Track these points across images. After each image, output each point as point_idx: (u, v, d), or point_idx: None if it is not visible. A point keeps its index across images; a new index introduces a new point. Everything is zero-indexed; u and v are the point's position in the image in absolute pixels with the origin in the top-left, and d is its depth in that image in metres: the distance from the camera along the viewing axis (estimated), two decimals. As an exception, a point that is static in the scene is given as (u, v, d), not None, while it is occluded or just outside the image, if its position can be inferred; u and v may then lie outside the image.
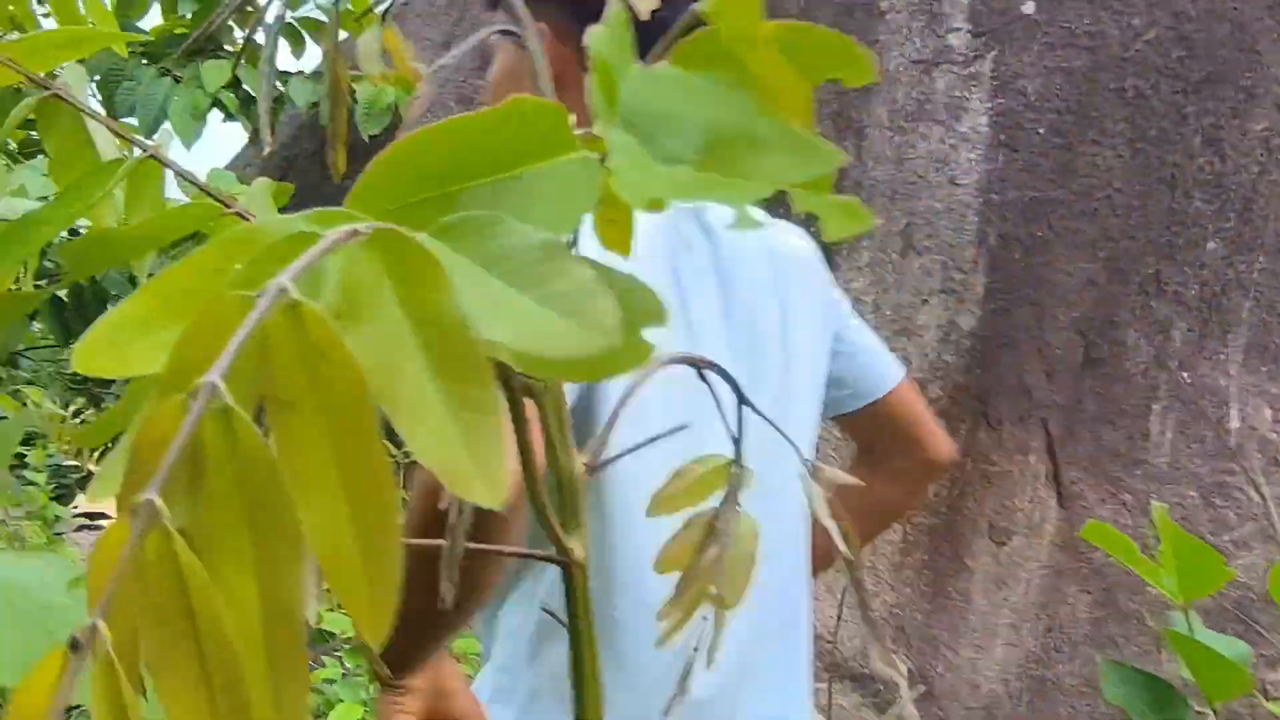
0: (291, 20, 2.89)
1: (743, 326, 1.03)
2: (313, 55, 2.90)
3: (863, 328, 1.20)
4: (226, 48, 3.09)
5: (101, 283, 2.64)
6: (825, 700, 2.05)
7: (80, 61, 0.70)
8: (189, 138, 2.83)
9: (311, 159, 3.00)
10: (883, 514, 1.25)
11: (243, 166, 3.41)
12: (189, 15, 3.08)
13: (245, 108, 2.93)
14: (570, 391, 0.84)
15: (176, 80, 2.88)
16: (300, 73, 3.02)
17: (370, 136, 2.73)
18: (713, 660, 0.53)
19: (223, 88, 2.83)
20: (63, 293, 2.58)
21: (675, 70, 0.28)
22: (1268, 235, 2.13)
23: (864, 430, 1.23)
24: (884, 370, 1.19)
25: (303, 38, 2.95)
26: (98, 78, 2.87)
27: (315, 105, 2.81)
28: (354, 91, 2.72)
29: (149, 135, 2.70)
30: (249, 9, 2.76)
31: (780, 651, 1.06)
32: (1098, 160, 2.14)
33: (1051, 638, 2.15)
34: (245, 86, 2.95)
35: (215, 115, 2.94)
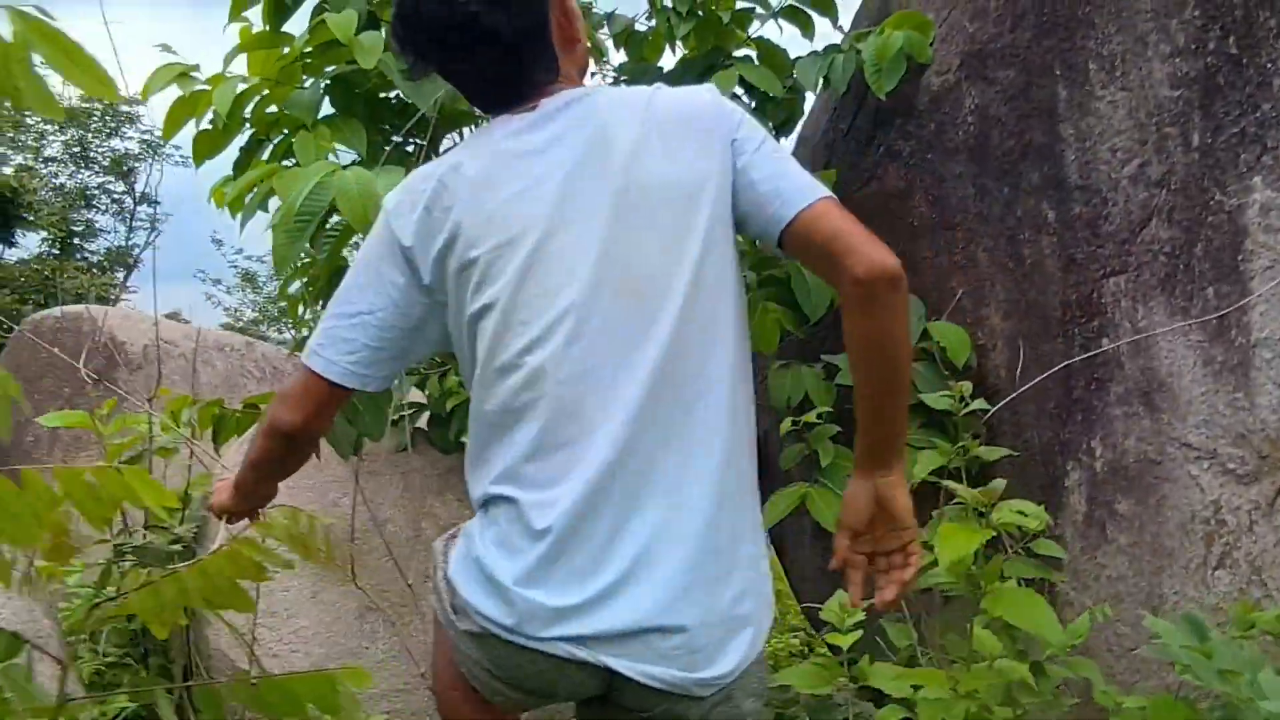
0: (793, 2, 2.97)
1: (631, 186, 1.23)
2: (824, 33, 2.43)
3: (769, 158, 1.27)
4: (738, 53, 3.04)
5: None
6: None
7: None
8: None
9: (848, 137, 2.92)
10: (867, 346, 1.23)
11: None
12: (680, 39, 2.99)
13: (762, 108, 2.90)
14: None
15: None
16: (813, 53, 2.87)
17: (886, 94, 2.56)
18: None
19: (733, 95, 2.76)
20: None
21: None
22: None
23: (801, 258, 1.31)
24: (791, 195, 1.23)
25: (809, 16, 2.98)
26: None
27: (827, 82, 2.75)
28: (858, 50, 2.63)
29: None
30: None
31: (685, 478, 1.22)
32: None
33: None
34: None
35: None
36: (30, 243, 18.57)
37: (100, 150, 20.72)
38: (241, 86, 2.39)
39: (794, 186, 1.26)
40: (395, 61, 2.44)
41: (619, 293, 1.22)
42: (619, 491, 1.20)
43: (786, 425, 2.56)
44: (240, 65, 2.66)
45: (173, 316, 21.24)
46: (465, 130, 3.09)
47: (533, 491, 1.22)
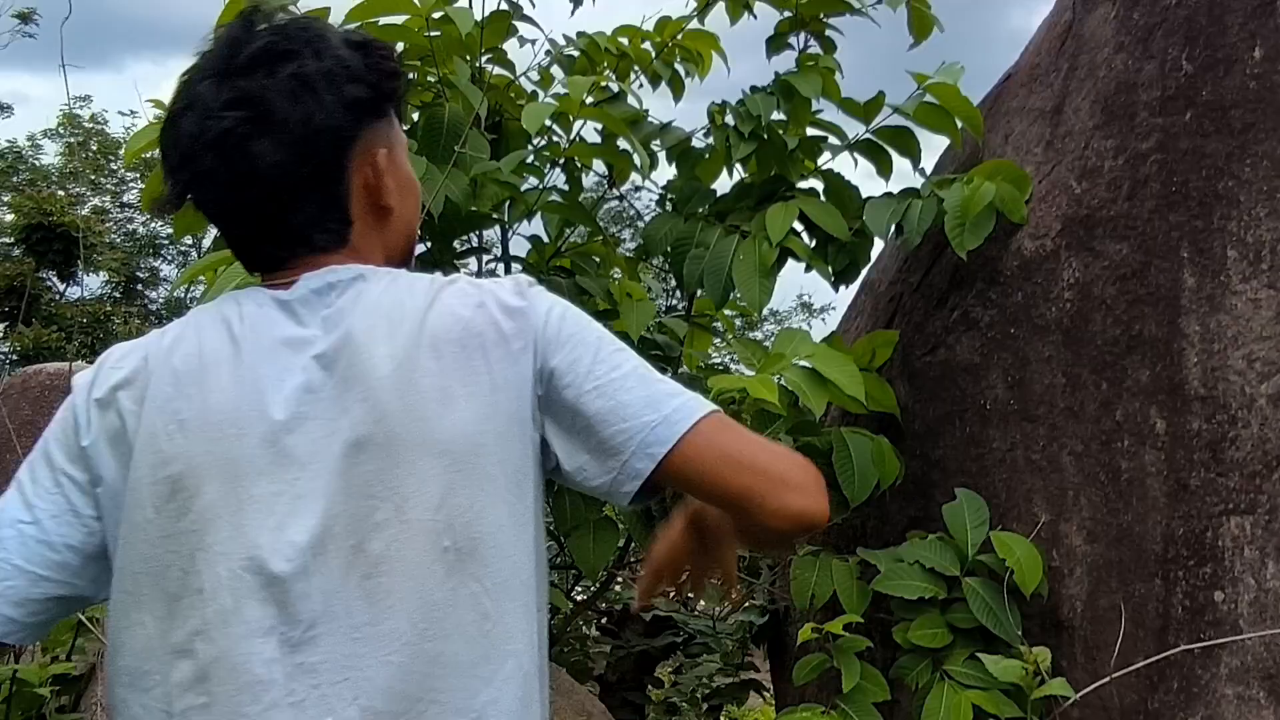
0: (870, 136, 2.59)
1: (378, 429, 0.88)
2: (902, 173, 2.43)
3: (603, 390, 0.92)
4: (803, 185, 2.63)
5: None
6: None
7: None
8: (757, 300, 2.38)
9: (919, 293, 2.53)
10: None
11: (853, 319, 2.93)
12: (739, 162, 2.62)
13: (822, 250, 2.49)
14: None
15: (745, 236, 2.46)
16: (887, 194, 2.51)
17: (968, 252, 2.18)
18: None
19: (791, 232, 2.42)
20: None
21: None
22: None
23: (691, 492, 0.98)
24: (647, 434, 0.90)
25: (887, 154, 2.61)
26: (669, 251, 2.55)
27: (899, 230, 2.38)
28: (940, 198, 2.25)
29: (719, 307, 2.56)
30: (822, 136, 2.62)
31: None
32: None
33: None
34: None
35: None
36: (93, 283, 18.73)
37: (177, 201, 20.93)
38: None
39: (652, 420, 0.91)
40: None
41: (345, 572, 0.86)
42: None
43: (807, 632, 2.11)
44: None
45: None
46: (480, 235, 2.76)
47: None
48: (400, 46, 2.43)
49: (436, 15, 2.34)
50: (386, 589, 0.86)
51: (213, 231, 2.35)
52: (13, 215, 17.30)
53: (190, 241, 21.27)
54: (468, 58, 2.47)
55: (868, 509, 2.35)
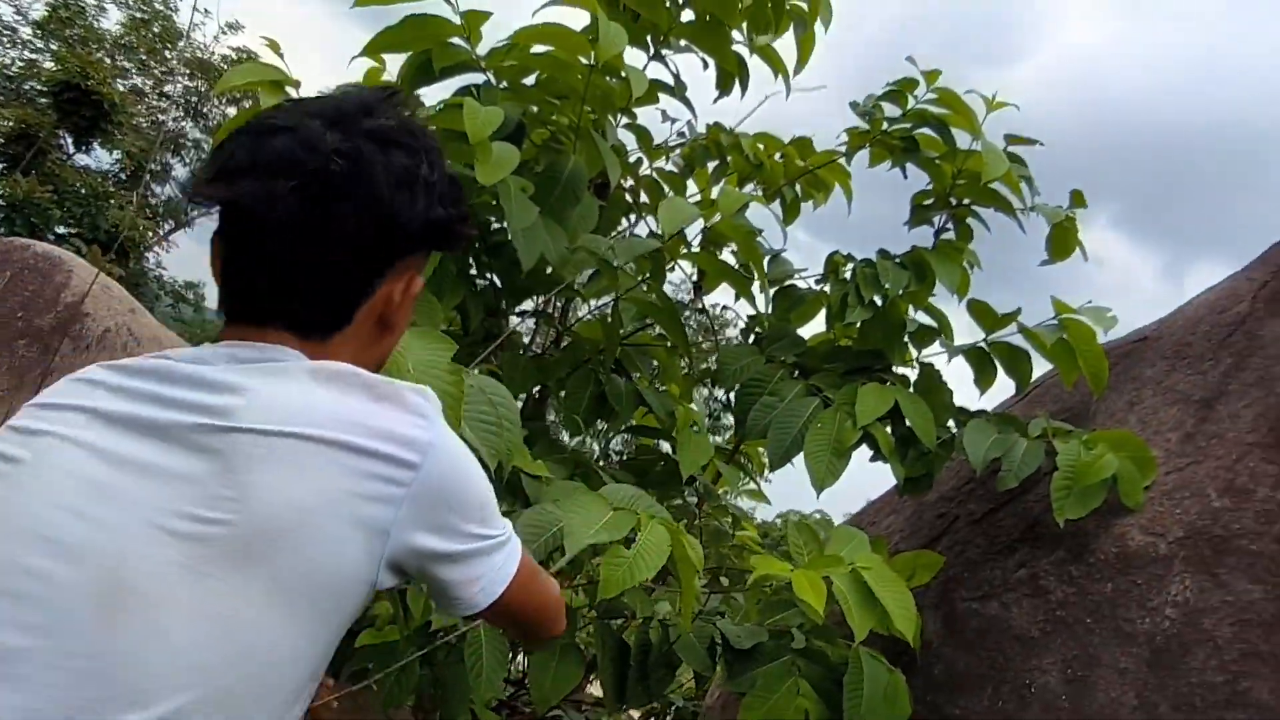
0: (985, 346, 2.36)
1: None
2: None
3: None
4: (900, 369, 2.43)
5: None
6: None
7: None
8: (821, 480, 2.13)
9: (979, 525, 2.28)
10: None
11: (884, 514, 2.77)
12: (859, 324, 2.43)
13: (902, 449, 2.26)
14: None
15: (827, 404, 2.25)
16: (983, 414, 2.33)
17: (1068, 520, 1.98)
18: None
19: (879, 419, 2.19)
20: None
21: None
22: None
23: None
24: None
25: (994, 369, 2.38)
26: (737, 388, 2.33)
27: (996, 460, 2.13)
28: (1051, 444, 2.07)
29: (775, 468, 2.24)
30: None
31: None
32: None
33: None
34: (908, 422, 2.23)
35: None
36: (104, 159, 18.32)
37: (217, 109, 20.74)
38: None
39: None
40: (515, 195, 1.86)
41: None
42: None
43: None
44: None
45: (191, 285, 20.96)
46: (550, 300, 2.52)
47: None
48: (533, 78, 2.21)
49: (595, 62, 2.12)
50: None
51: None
52: (53, 65, 16.95)
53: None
54: (611, 116, 2.26)
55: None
